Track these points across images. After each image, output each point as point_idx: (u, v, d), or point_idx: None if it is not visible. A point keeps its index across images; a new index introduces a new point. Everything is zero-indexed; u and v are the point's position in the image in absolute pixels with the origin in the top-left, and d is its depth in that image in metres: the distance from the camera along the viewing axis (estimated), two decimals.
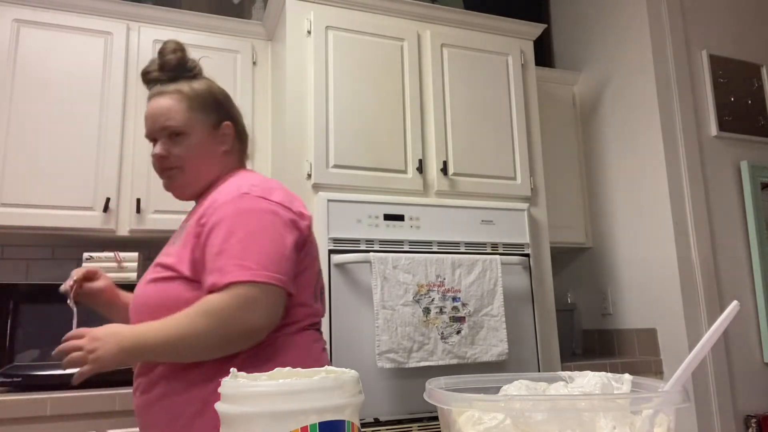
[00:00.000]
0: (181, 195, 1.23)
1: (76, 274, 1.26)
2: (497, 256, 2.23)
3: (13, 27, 2.23)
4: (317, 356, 1.16)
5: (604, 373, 0.48)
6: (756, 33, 3.00)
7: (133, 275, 2.08)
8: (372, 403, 1.98)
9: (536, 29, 2.70)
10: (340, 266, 2.03)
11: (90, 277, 1.28)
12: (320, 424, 0.41)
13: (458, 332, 2.07)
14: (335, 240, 2.06)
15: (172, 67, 1.24)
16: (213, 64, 2.27)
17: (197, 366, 1.05)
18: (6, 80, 2.18)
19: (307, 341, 1.14)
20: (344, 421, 0.42)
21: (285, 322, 1.10)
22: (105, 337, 1.00)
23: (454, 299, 2.10)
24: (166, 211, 2.24)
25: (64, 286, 1.23)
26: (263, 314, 1.03)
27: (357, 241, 2.09)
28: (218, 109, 1.25)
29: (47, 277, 2.42)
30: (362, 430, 0.48)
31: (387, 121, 2.30)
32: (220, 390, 0.44)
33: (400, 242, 2.15)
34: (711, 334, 0.44)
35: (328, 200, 2.09)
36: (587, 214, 3.02)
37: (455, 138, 2.40)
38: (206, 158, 1.21)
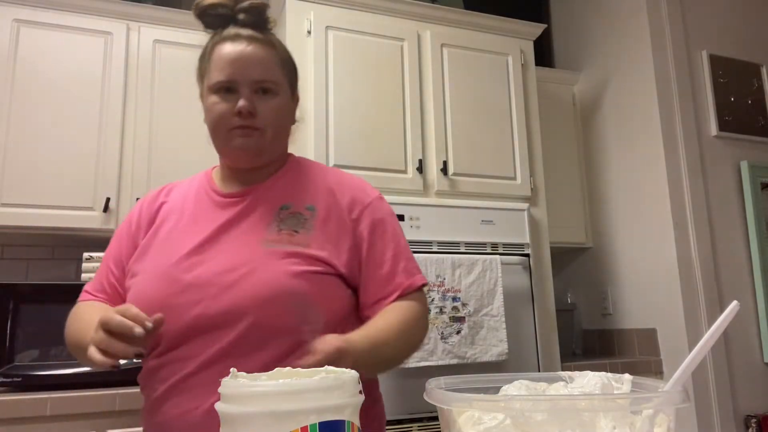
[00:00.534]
0: (253, 160, 1.04)
1: (152, 322, 0.85)
2: (497, 256, 2.23)
3: (13, 27, 2.23)
4: None
5: (604, 373, 0.48)
6: (756, 33, 3.00)
7: None
8: None
9: (536, 29, 2.70)
10: None
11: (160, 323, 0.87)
12: (320, 423, 0.41)
13: (458, 332, 2.07)
14: None
15: (257, 11, 1.05)
16: None
17: None
18: (6, 80, 2.18)
19: None
20: (344, 420, 0.42)
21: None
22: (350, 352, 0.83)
23: (454, 299, 2.10)
24: None
25: (140, 330, 0.81)
26: None
27: None
28: (296, 76, 1.10)
29: (47, 277, 2.42)
30: (362, 430, 0.47)
31: (387, 121, 2.30)
32: (220, 390, 0.44)
33: None
34: (711, 334, 0.44)
35: None
36: (587, 214, 3.02)
37: (455, 138, 2.40)
38: (284, 127, 1.07)
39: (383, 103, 2.31)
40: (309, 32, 2.27)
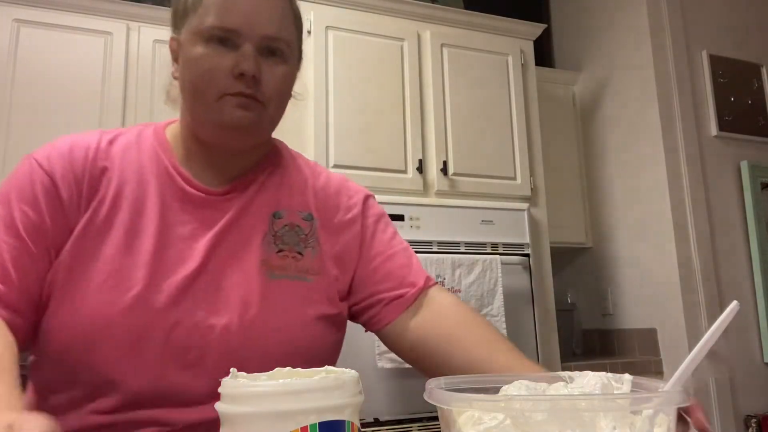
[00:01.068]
0: (245, 141, 0.80)
1: None
2: (497, 256, 2.23)
3: (13, 27, 2.23)
4: None
5: (604, 373, 0.48)
6: (756, 33, 3.00)
7: None
8: (372, 403, 1.98)
9: (536, 29, 2.70)
10: None
11: None
12: (320, 424, 0.41)
13: None
14: None
15: None
16: None
17: None
18: (6, 80, 2.18)
19: None
20: (344, 421, 0.42)
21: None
22: None
23: None
24: None
25: None
26: None
27: None
28: (302, 43, 0.86)
29: None
30: (362, 430, 0.48)
31: (387, 121, 2.30)
32: (220, 390, 0.44)
33: None
34: (711, 334, 0.44)
35: None
36: (587, 214, 3.02)
37: (455, 138, 2.40)
38: (285, 103, 0.83)
39: (383, 103, 2.31)
40: (309, 32, 2.27)
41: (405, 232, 2.17)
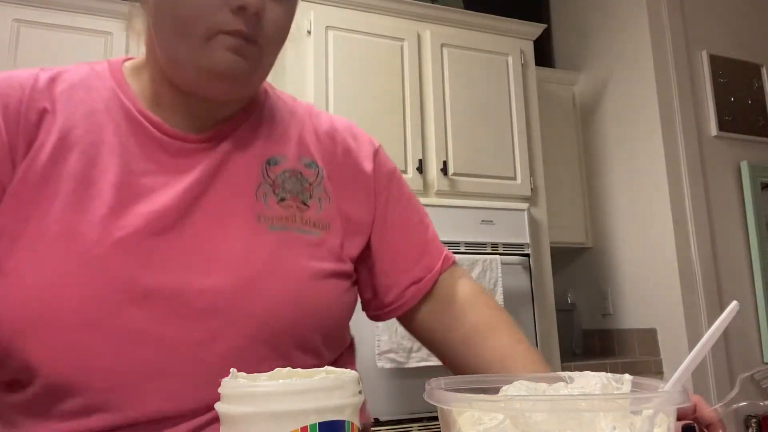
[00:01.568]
0: (236, 89, 0.66)
1: None
2: (497, 256, 2.23)
3: (13, 27, 2.23)
4: None
5: (604, 373, 0.48)
6: (756, 33, 3.00)
7: None
8: (372, 403, 1.98)
9: (536, 29, 2.70)
10: None
11: None
12: (320, 424, 0.41)
13: None
14: None
15: None
16: None
17: None
18: None
19: None
20: (344, 421, 0.42)
21: None
22: None
23: None
24: None
25: None
26: None
27: None
28: None
29: None
30: (362, 430, 0.47)
31: (387, 121, 2.30)
32: (220, 390, 0.44)
33: None
34: (711, 334, 0.44)
35: None
36: (587, 214, 3.02)
37: (455, 138, 2.40)
38: (280, 50, 0.68)
39: (383, 103, 2.31)
40: (309, 32, 2.27)
41: None
